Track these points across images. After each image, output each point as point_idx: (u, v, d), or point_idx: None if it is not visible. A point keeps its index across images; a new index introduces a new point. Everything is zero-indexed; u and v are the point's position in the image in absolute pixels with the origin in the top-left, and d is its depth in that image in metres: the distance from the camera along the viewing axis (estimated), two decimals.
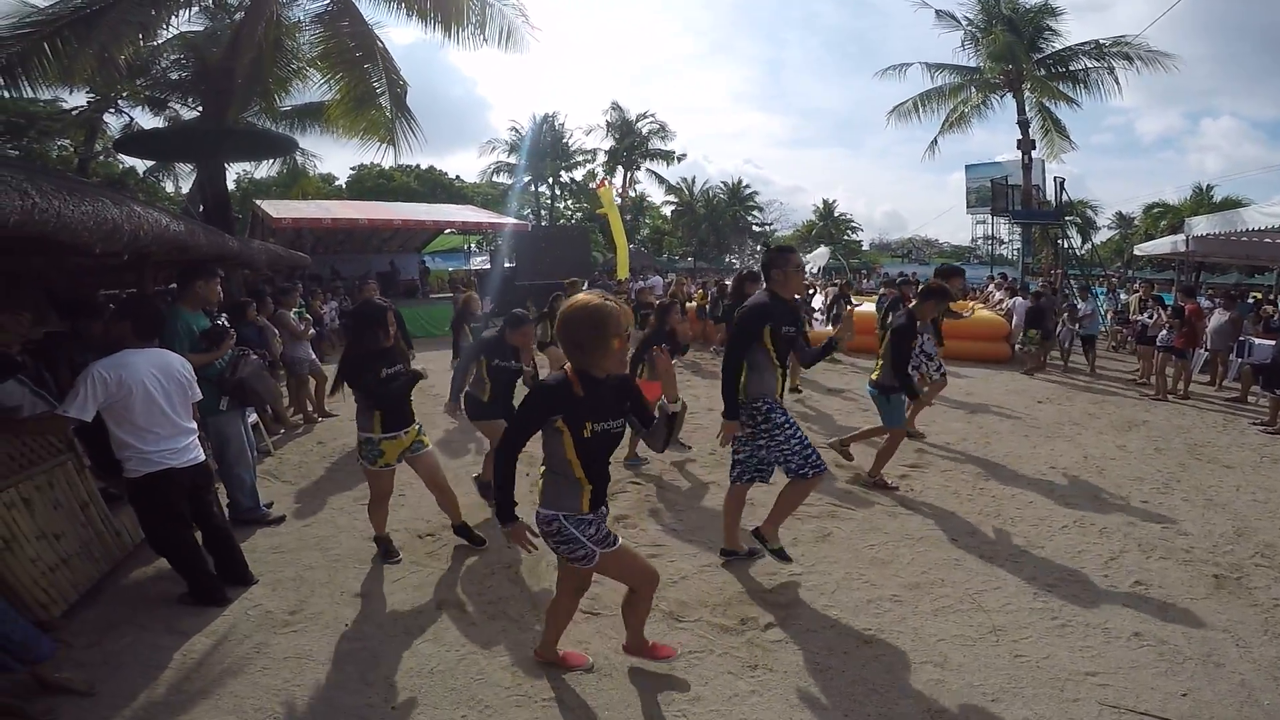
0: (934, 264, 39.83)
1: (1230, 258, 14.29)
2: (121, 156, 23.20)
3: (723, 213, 41.60)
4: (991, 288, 14.08)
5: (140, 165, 23.47)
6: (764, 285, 3.78)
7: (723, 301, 9.46)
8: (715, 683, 2.74)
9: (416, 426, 3.79)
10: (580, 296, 2.40)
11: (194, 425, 3.34)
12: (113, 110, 20.44)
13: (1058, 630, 3.10)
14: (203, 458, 3.36)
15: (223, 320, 4.20)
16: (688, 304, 10.86)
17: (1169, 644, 2.97)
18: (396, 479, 5.11)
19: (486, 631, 3.11)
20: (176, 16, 11.10)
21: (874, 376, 4.93)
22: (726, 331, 6.72)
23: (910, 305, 5.48)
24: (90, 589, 3.32)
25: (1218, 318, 8.99)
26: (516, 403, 4.66)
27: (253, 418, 5.11)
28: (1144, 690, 2.66)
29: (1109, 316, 14.12)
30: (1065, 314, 10.64)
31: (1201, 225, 9.47)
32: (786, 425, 3.51)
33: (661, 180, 38.83)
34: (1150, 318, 8.95)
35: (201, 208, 11.31)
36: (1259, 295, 15.74)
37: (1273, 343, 7.50)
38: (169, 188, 24.23)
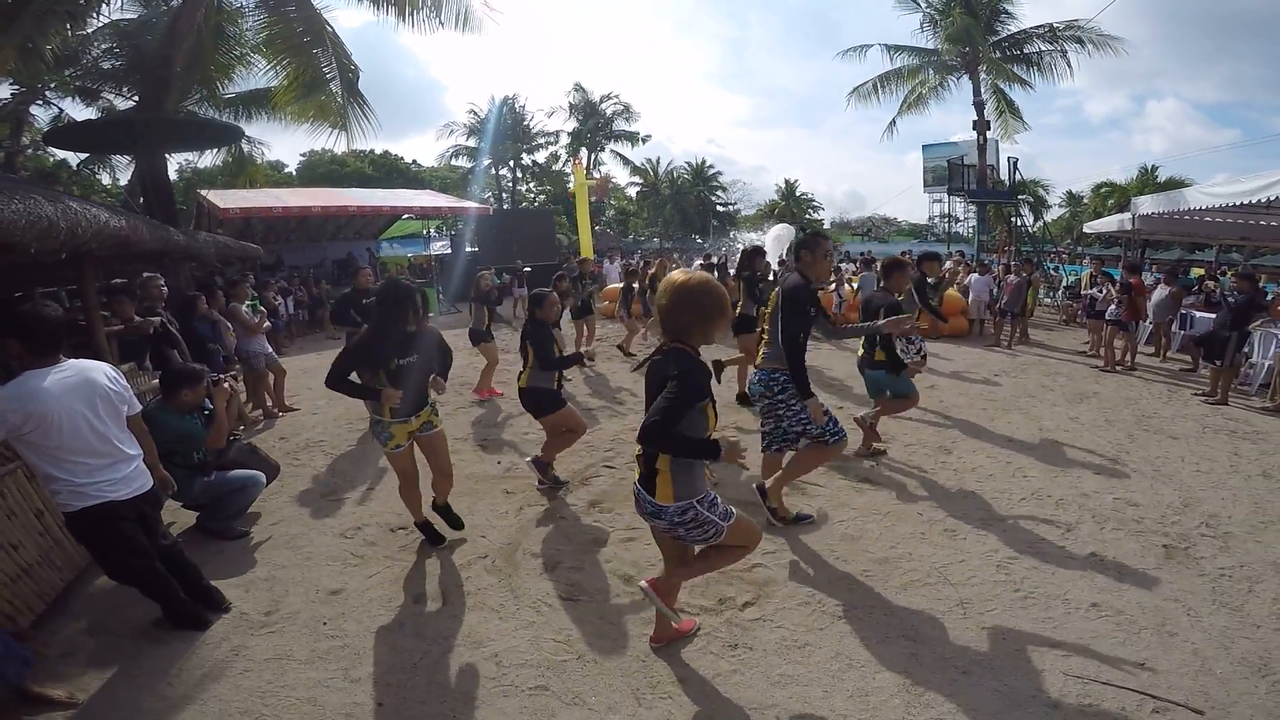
0: (893, 242, 40.66)
1: (1173, 235, 14.89)
2: (52, 149, 22.05)
3: (687, 193, 41.60)
4: (950, 264, 14.41)
5: (73, 158, 22.35)
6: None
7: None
8: (697, 663, 2.79)
9: (428, 408, 3.71)
10: (697, 274, 2.51)
11: (134, 449, 2.87)
12: (40, 102, 19.30)
13: (1021, 602, 3.22)
14: (150, 484, 2.93)
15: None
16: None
17: (1125, 614, 3.10)
18: (366, 470, 5.14)
19: (467, 623, 3.11)
20: (108, 4, 10.57)
21: (878, 357, 5.03)
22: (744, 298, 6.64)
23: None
24: (56, 598, 3.22)
25: (1159, 292, 9.40)
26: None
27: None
28: (1105, 660, 2.77)
29: (1058, 292, 14.62)
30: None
31: (1146, 204, 9.84)
32: None
33: (626, 161, 38.68)
34: (1100, 292, 9.30)
35: (142, 200, 10.86)
36: (1201, 271, 16.49)
37: (1213, 316, 7.87)
38: (105, 180, 23.14)
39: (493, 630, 3.04)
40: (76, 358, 2.79)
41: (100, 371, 2.77)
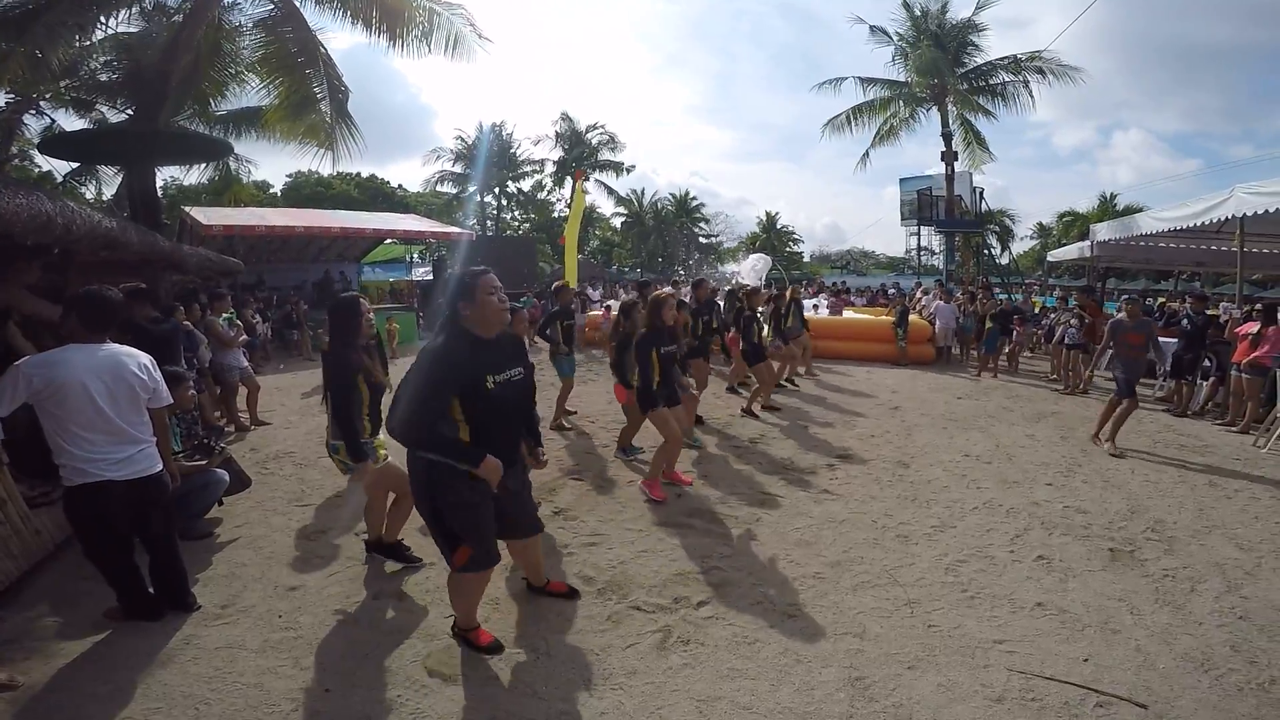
0: (872, 275, 41.38)
1: (1133, 262, 15.40)
2: (38, 160, 22.05)
3: (671, 224, 42.10)
4: (919, 294, 14.79)
5: (58, 170, 22.37)
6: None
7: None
8: (650, 657, 2.85)
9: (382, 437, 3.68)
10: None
11: (146, 435, 2.94)
12: (33, 112, 19.36)
13: (967, 602, 3.33)
14: (154, 470, 2.97)
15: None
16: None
17: (1069, 613, 3.21)
18: (335, 480, 5.15)
19: (424, 617, 3.15)
20: (115, 18, 10.74)
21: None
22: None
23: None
24: (9, 586, 3.21)
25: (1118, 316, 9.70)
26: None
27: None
28: (1048, 656, 2.86)
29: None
30: None
31: (1104, 231, 10.21)
32: None
33: (611, 191, 39.03)
34: (1058, 321, 9.62)
35: (127, 213, 10.94)
36: (1164, 300, 17.00)
37: (1174, 340, 8.14)
38: (89, 193, 23.12)
39: (450, 624, 3.06)
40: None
41: (132, 358, 2.92)
